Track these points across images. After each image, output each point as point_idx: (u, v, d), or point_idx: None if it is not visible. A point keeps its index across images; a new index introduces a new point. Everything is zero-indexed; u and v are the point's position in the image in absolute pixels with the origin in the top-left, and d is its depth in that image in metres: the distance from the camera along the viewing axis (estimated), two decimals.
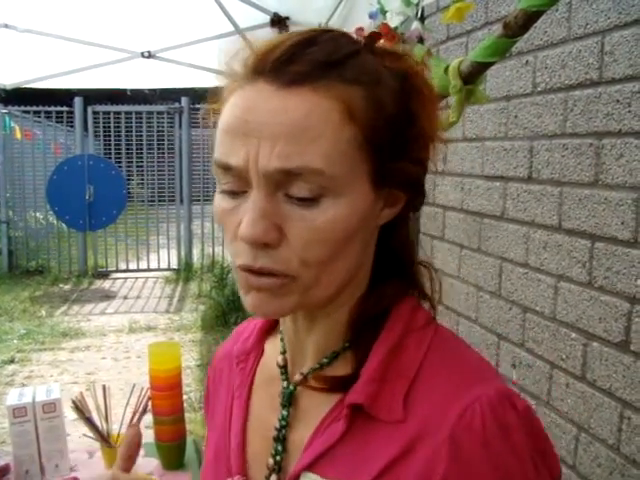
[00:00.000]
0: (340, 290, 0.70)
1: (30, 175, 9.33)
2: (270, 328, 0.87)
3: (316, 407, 0.73)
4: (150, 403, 1.80)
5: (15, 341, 6.26)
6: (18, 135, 8.97)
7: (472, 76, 1.33)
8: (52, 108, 9.24)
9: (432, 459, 0.63)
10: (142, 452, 1.90)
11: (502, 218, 2.03)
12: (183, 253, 9.41)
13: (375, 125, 0.64)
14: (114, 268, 9.45)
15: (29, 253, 9.42)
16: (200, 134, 9.39)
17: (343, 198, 0.64)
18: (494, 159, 2.08)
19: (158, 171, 9.59)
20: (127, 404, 1.84)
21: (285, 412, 0.76)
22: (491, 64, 1.30)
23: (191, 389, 4.80)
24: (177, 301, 8.02)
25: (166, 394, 1.76)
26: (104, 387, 1.83)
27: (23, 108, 9.30)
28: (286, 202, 0.63)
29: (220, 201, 0.67)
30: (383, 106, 0.65)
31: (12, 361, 5.72)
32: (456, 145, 2.34)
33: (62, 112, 9.28)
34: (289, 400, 0.76)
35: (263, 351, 0.86)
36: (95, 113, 9.19)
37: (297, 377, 0.76)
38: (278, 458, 0.75)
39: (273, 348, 0.84)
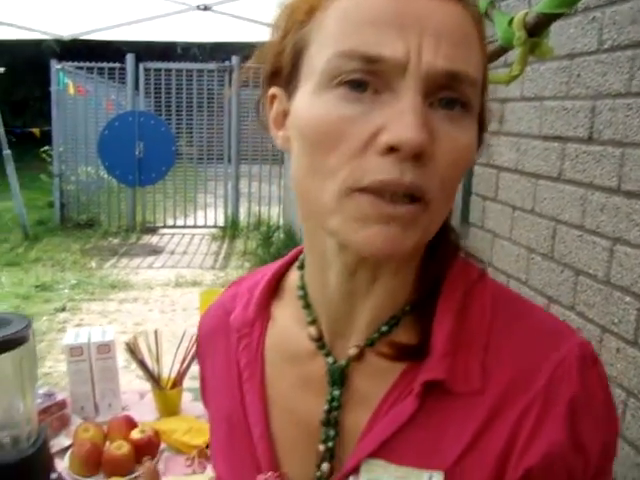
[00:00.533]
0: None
1: (82, 130, 9.46)
2: (273, 291, 0.76)
3: (372, 384, 0.66)
4: None
5: (66, 291, 6.45)
6: (71, 91, 9.10)
7: (537, 28, 1.29)
8: (104, 64, 9.30)
9: (521, 420, 0.59)
10: (190, 397, 1.96)
11: (559, 179, 1.99)
12: (230, 211, 9.49)
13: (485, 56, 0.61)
14: (162, 224, 9.59)
15: (80, 207, 9.61)
16: (250, 93, 9.38)
17: (474, 120, 0.59)
18: (553, 119, 2.03)
19: (207, 130, 9.62)
20: (177, 349, 1.88)
21: (337, 392, 0.67)
22: (558, 16, 1.26)
23: None
24: (223, 258, 8.11)
25: None
26: (156, 332, 1.88)
27: (76, 64, 9.39)
28: (431, 113, 0.55)
29: (335, 105, 0.55)
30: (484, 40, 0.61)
31: (64, 309, 5.90)
32: (513, 105, 2.29)
33: (114, 68, 9.31)
34: (341, 378, 0.67)
35: (269, 319, 0.75)
36: (146, 70, 9.21)
37: (352, 351, 0.67)
38: (330, 444, 0.67)
39: (284, 313, 0.74)
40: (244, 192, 9.60)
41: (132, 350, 1.80)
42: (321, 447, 0.67)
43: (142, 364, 1.81)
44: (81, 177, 9.66)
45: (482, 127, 0.63)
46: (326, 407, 0.67)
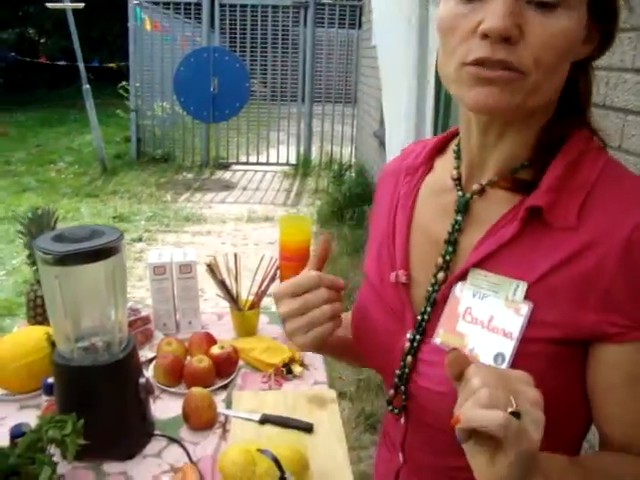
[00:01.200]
0: (543, 107, 0.79)
1: (158, 66, 9.56)
2: (440, 149, 0.97)
3: (489, 214, 0.83)
4: (279, 272, 1.88)
5: (143, 222, 6.66)
6: (148, 27, 9.16)
7: None
8: (180, 0, 9.29)
9: (601, 262, 0.73)
10: (267, 319, 2.02)
11: None
12: (302, 149, 9.50)
13: None
14: (234, 160, 9.70)
15: (155, 141, 9.80)
16: (325, 32, 9.24)
17: (573, 12, 0.72)
18: None
19: (281, 68, 9.55)
20: (256, 272, 1.93)
21: (459, 217, 0.86)
22: None
23: None
24: (294, 195, 8.18)
25: (294, 265, 1.82)
26: (235, 254, 1.93)
27: (153, 0, 9.42)
28: (527, 8, 0.70)
29: (453, 6, 0.75)
30: None
31: (140, 239, 6.12)
32: None
33: (189, 4, 9.29)
34: (465, 207, 0.86)
35: (431, 168, 0.96)
36: (222, 6, 9.15)
37: (475, 187, 0.85)
38: (447, 258, 0.86)
39: (443, 165, 0.94)
40: (317, 131, 9.58)
41: (212, 270, 1.85)
42: (440, 260, 0.86)
43: (222, 284, 1.87)
44: (157, 112, 9.80)
45: (604, 19, 0.76)
46: (449, 229, 0.86)
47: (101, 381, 1.31)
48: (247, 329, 1.90)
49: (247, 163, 9.69)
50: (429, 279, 0.87)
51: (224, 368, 1.68)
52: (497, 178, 0.83)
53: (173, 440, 1.43)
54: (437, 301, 0.85)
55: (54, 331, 1.37)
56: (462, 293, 0.82)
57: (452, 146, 0.95)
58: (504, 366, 0.75)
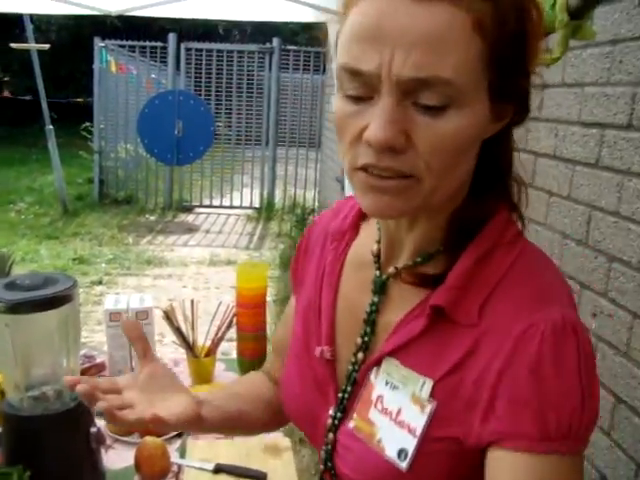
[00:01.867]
0: (451, 196, 0.75)
1: (122, 108, 9.57)
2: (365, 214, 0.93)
3: (405, 298, 0.81)
4: (235, 319, 1.89)
5: (103, 265, 6.59)
6: (113, 69, 9.20)
7: (580, 11, 1.30)
8: (146, 43, 9.35)
9: (491, 362, 0.71)
10: (223, 366, 2.01)
11: (596, 166, 1.99)
12: (265, 193, 9.54)
13: (500, 41, 0.66)
14: (198, 203, 9.70)
15: (118, 183, 9.76)
16: (290, 77, 9.38)
17: (466, 109, 0.66)
18: (593, 105, 2.03)
19: (246, 112, 9.64)
20: (213, 319, 1.94)
21: (376, 299, 0.84)
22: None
23: (267, 322, 4.94)
24: (257, 239, 8.18)
25: (251, 312, 1.85)
26: (192, 301, 1.93)
27: (119, 42, 9.48)
28: (413, 110, 0.65)
29: (342, 105, 0.70)
30: (507, 22, 0.66)
31: (100, 282, 6.04)
32: (553, 91, 2.28)
33: (156, 47, 9.34)
34: (381, 288, 0.84)
35: (357, 234, 0.93)
36: (187, 50, 9.23)
37: (391, 270, 0.83)
38: (366, 339, 0.85)
39: (368, 234, 0.91)
40: (280, 175, 9.65)
41: (169, 317, 1.85)
42: (359, 340, 0.85)
43: (178, 331, 1.87)
44: (120, 154, 9.77)
45: (512, 99, 0.71)
46: (367, 309, 0.85)
47: (51, 431, 1.29)
48: (203, 376, 1.89)
49: (210, 206, 9.68)
50: (351, 357, 0.86)
51: None
52: (411, 263, 0.81)
53: None
54: (357, 380, 0.85)
55: (3, 380, 1.36)
56: (376, 380, 0.82)
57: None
58: (405, 463, 0.75)
